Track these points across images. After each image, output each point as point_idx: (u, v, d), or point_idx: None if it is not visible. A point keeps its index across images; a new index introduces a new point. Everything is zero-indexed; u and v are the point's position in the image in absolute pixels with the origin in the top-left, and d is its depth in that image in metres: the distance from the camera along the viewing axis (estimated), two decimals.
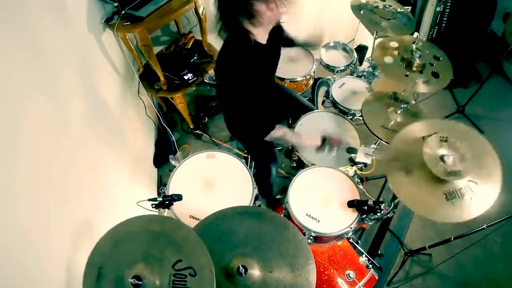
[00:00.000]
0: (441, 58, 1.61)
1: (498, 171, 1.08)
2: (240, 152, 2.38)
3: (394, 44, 1.65)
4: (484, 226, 1.55)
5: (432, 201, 1.05)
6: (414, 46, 1.58)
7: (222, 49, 1.31)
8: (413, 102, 1.60)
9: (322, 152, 1.47)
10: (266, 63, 1.39)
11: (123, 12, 1.75)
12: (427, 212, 1.05)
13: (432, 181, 1.06)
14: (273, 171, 1.72)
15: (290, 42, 1.68)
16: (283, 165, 2.20)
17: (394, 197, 1.33)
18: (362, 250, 1.63)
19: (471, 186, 1.05)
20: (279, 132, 1.40)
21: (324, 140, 1.45)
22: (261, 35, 1.29)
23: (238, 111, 1.46)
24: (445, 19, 2.60)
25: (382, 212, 1.19)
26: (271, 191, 1.95)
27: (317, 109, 1.79)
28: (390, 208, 1.28)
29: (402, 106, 1.51)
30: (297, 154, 1.58)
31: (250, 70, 1.26)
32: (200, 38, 2.34)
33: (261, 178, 1.80)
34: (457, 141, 1.09)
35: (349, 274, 1.37)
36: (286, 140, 1.45)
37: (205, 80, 2.23)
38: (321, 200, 1.34)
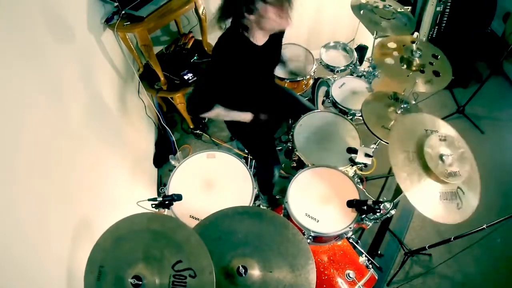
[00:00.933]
0: (439, 57, 1.61)
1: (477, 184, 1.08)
2: (240, 152, 2.38)
3: (392, 45, 1.64)
4: (484, 226, 1.55)
5: (426, 194, 1.06)
6: (414, 46, 1.58)
7: (218, 41, 1.30)
8: (413, 102, 1.60)
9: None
10: (256, 63, 1.36)
11: (123, 12, 1.75)
12: (419, 204, 1.05)
13: (430, 177, 1.07)
14: (275, 172, 1.72)
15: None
16: (283, 165, 2.19)
17: (394, 197, 1.33)
18: (362, 250, 1.63)
19: (459, 193, 1.07)
20: (213, 113, 1.42)
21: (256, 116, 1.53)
22: (259, 37, 1.28)
23: (201, 83, 1.48)
24: (445, 19, 2.60)
25: (381, 212, 1.19)
26: (272, 191, 1.95)
27: (317, 109, 1.79)
28: (390, 208, 1.28)
29: (402, 106, 1.52)
30: (297, 154, 1.58)
31: (240, 66, 1.26)
32: (200, 38, 2.35)
33: (264, 178, 1.81)
34: (455, 140, 1.10)
35: (348, 274, 1.37)
36: (221, 117, 1.49)
37: None
38: (321, 200, 1.34)
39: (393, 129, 1.17)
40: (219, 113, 1.43)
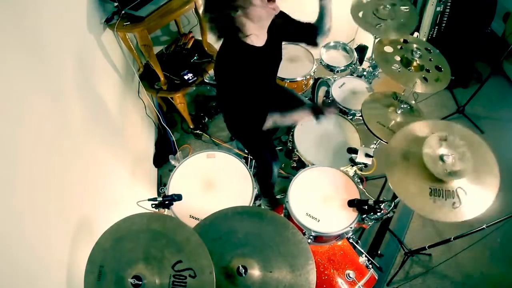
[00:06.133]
0: (432, 59, 1.61)
1: (495, 186, 1.07)
2: (240, 152, 2.38)
3: (388, 49, 1.64)
4: (484, 226, 1.55)
5: (415, 190, 1.07)
6: (414, 46, 1.58)
7: (219, 52, 1.28)
8: (413, 102, 1.60)
9: (321, 119, 1.37)
10: (263, 65, 1.34)
11: (123, 12, 1.75)
12: (406, 198, 1.07)
13: (424, 173, 1.08)
14: (274, 170, 1.72)
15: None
16: (283, 165, 2.20)
17: (394, 197, 1.33)
18: (362, 250, 1.63)
19: (459, 192, 1.06)
20: (269, 122, 1.38)
21: (316, 110, 1.36)
22: (255, 37, 1.24)
23: (234, 109, 1.45)
24: (445, 19, 2.60)
25: (382, 211, 1.19)
26: (273, 191, 1.95)
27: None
28: (390, 208, 1.28)
29: (402, 106, 1.52)
30: (297, 154, 1.58)
31: (246, 73, 1.23)
32: (200, 38, 2.35)
33: (263, 178, 1.81)
34: (455, 139, 1.10)
35: (349, 274, 1.37)
36: (281, 124, 1.41)
37: (205, 80, 2.23)
38: (321, 199, 1.34)
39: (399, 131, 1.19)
40: (275, 119, 1.38)
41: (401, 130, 1.21)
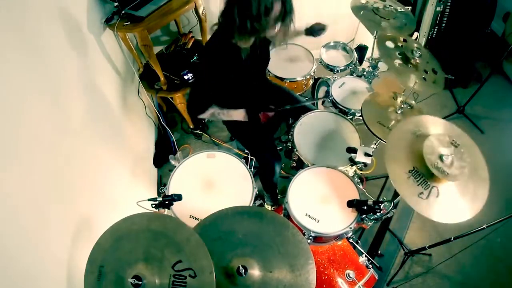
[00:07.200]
0: (429, 62, 1.61)
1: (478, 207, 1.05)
2: (240, 152, 2.38)
3: (390, 44, 1.64)
4: (484, 226, 1.55)
5: (401, 164, 1.08)
6: (415, 45, 1.58)
7: (206, 45, 1.39)
8: (413, 102, 1.60)
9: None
10: (244, 62, 1.40)
11: (123, 12, 1.75)
12: (388, 159, 1.09)
13: (418, 154, 1.08)
14: (276, 169, 1.72)
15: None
16: (283, 165, 2.19)
17: (394, 197, 1.33)
18: (362, 250, 1.64)
19: (432, 191, 1.05)
20: (208, 113, 1.47)
21: (250, 113, 1.53)
22: (243, 43, 1.33)
23: (196, 85, 1.56)
24: (445, 19, 2.60)
25: (381, 212, 1.19)
26: (276, 190, 1.95)
27: (317, 109, 1.79)
28: (390, 208, 1.28)
29: (402, 106, 1.52)
30: (297, 154, 1.58)
31: (226, 65, 1.33)
32: (200, 38, 2.35)
33: (265, 177, 1.81)
34: (465, 153, 1.08)
35: (348, 274, 1.37)
36: (218, 117, 1.52)
37: None
38: (321, 200, 1.34)
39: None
40: (213, 112, 1.47)
41: (426, 116, 1.20)
